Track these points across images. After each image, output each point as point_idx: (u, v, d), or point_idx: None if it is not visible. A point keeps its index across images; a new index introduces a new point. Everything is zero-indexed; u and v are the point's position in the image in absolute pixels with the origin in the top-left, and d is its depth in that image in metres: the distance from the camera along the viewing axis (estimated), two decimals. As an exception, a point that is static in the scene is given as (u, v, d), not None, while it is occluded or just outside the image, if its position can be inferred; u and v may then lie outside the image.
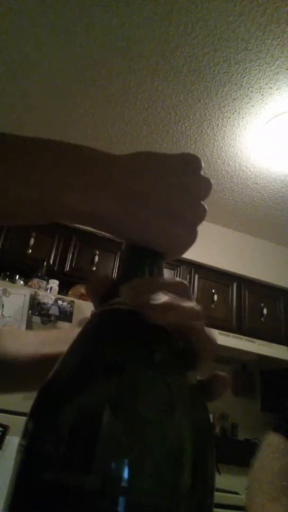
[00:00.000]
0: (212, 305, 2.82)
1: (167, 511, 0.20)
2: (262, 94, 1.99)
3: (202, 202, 0.28)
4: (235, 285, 3.03)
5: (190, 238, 0.28)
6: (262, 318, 2.99)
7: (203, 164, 0.30)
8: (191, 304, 0.25)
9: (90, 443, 0.20)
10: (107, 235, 0.30)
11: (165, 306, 0.23)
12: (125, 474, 0.19)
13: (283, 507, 0.60)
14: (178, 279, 0.28)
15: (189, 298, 0.26)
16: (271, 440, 0.71)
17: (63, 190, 0.26)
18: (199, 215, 0.28)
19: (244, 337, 2.77)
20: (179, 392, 0.23)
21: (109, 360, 0.23)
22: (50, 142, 0.28)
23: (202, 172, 0.29)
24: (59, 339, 0.41)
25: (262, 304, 3.03)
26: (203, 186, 0.29)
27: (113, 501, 0.19)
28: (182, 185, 0.28)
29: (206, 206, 0.29)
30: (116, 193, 0.26)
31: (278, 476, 0.64)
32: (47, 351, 0.40)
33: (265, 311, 3.01)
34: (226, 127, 2.23)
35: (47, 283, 2.41)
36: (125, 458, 0.20)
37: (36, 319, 2.02)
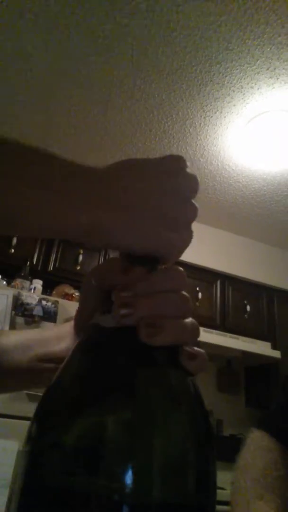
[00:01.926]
0: (197, 303, 2.84)
1: None
2: (244, 94, 2.01)
3: (192, 201, 0.29)
4: (218, 282, 3.06)
5: (185, 239, 0.28)
6: (245, 315, 3.03)
7: (187, 163, 0.30)
8: (185, 322, 0.26)
9: (101, 453, 0.20)
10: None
11: (154, 328, 0.24)
12: (135, 482, 0.20)
13: (268, 503, 0.61)
14: (175, 268, 0.28)
15: (185, 287, 0.27)
16: (255, 438, 0.72)
17: (59, 204, 0.26)
18: (191, 214, 0.28)
19: (228, 334, 2.80)
20: (184, 400, 0.24)
21: (114, 374, 0.23)
22: (44, 157, 0.28)
23: (188, 170, 0.29)
24: (57, 337, 0.41)
25: (245, 301, 3.07)
26: (190, 184, 0.29)
27: (121, 506, 0.19)
28: (170, 187, 0.28)
29: (196, 204, 0.29)
30: (110, 206, 0.26)
31: (263, 473, 0.65)
32: (45, 351, 0.40)
33: (248, 308, 3.05)
34: (208, 126, 2.24)
35: (31, 283, 2.39)
36: (134, 467, 0.20)
37: (20, 319, 1.99)
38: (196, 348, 0.26)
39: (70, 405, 0.22)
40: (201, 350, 0.26)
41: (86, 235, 0.27)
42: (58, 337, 0.40)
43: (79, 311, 0.34)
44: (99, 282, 0.29)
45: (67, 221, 0.26)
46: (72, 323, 0.41)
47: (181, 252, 0.29)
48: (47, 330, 0.44)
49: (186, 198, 0.28)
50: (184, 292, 0.28)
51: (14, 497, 0.21)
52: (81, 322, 0.34)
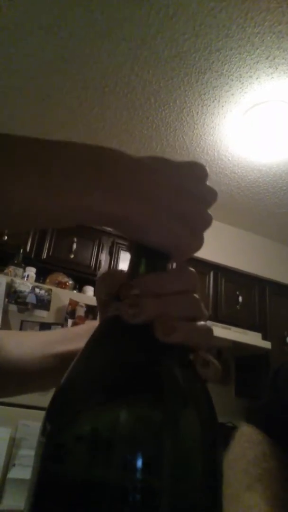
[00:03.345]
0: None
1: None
2: (242, 83, 1.98)
3: (208, 210, 0.30)
4: (211, 273, 3.07)
5: (198, 245, 0.29)
6: (237, 306, 3.05)
7: (208, 173, 0.31)
8: (199, 325, 0.27)
9: (120, 448, 0.21)
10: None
11: (171, 327, 0.25)
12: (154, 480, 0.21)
13: (257, 494, 0.62)
14: (187, 269, 0.29)
15: (196, 290, 0.28)
16: (244, 431, 0.73)
17: (90, 193, 0.25)
18: (206, 222, 0.29)
19: (220, 325, 2.82)
20: (201, 402, 0.25)
21: (137, 366, 0.24)
22: (68, 144, 0.27)
23: (208, 182, 0.31)
24: (65, 338, 0.41)
25: (237, 292, 3.09)
26: (212, 195, 0.30)
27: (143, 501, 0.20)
28: (196, 192, 0.29)
29: (211, 215, 0.30)
30: (140, 197, 0.27)
31: (252, 465, 0.66)
32: (55, 351, 0.40)
33: (240, 299, 3.07)
34: (205, 115, 2.22)
35: (24, 270, 2.37)
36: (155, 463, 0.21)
37: (13, 307, 1.98)
38: (210, 357, 0.27)
39: (93, 396, 0.23)
40: (215, 361, 0.27)
41: (112, 224, 0.27)
42: (77, 335, 0.40)
43: (100, 309, 0.35)
44: (108, 288, 0.30)
45: (94, 211, 0.26)
46: (92, 321, 0.42)
47: (190, 255, 0.29)
48: (67, 329, 0.45)
49: (206, 206, 0.29)
50: (195, 295, 0.28)
51: (30, 485, 0.22)
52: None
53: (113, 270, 0.31)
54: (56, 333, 0.44)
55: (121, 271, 0.30)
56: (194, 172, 0.30)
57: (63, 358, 0.40)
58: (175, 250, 0.28)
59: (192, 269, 0.29)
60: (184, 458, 0.22)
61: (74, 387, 0.24)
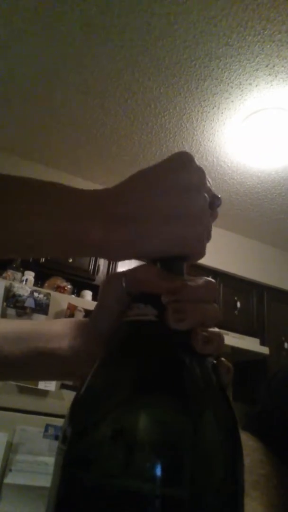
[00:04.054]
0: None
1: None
2: (242, 90, 2.00)
3: (200, 192, 0.29)
4: (210, 278, 3.07)
5: (199, 230, 0.28)
6: (235, 311, 3.05)
7: (193, 156, 0.30)
8: (221, 334, 0.28)
9: (145, 455, 0.21)
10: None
11: (207, 338, 0.26)
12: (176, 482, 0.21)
13: (253, 500, 0.62)
14: (205, 279, 0.30)
15: (214, 298, 0.29)
16: (241, 438, 0.73)
17: (83, 224, 0.27)
18: (198, 205, 0.28)
19: (218, 330, 2.82)
20: (226, 411, 0.25)
21: (158, 380, 0.24)
22: (51, 185, 0.29)
23: (193, 164, 0.30)
24: (58, 334, 0.40)
25: (235, 298, 3.09)
26: (194, 177, 0.29)
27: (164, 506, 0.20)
28: (175, 183, 0.28)
29: (206, 196, 0.29)
30: (125, 220, 0.27)
31: (249, 471, 0.66)
32: (41, 346, 0.39)
33: (238, 304, 3.08)
34: (205, 121, 2.23)
35: (22, 274, 2.37)
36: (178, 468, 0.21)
37: (11, 311, 1.98)
38: (229, 364, 0.28)
39: (123, 400, 0.23)
40: (232, 368, 0.28)
41: (109, 250, 0.28)
42: (59, 335, 0.39)
43: (102, 310, 0.35)
44: (133, 287, 0.30)
45: (82, 239, 0.27)
46: (71, 320, 0.40)
47: (199, 245, 0.29)
48: (41, 324, 0.43)
49: (191, 190, 0.28)
50: (214, 304, 0.29)
51: (50, 491, 0.22)
52: (103, 321, 0.34)
53: (132, 269, 0.30)
54: (35, 327, 0.43)
55: (138, 271, 0.30)
56: (172, 164, 0.29)
57: (35, 353, 0.39)
58: (178, 248, 0.28)
59: (213, 280, 0.30)
60: (211, 461, 0.22)
61: (102, 391, 0.24)
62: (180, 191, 0.28)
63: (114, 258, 0.29)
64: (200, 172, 0.29)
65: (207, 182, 0.30)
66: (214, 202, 0.31)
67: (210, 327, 0.28)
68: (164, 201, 0.27)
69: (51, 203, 0.27)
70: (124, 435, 0.21)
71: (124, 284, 0.30)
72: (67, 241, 0.27)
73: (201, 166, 0.30)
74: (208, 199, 0.29)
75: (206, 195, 0.29)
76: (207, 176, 0.30)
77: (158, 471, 0.20)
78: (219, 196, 0.32)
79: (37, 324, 0.44)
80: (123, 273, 0.31)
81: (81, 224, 0.27)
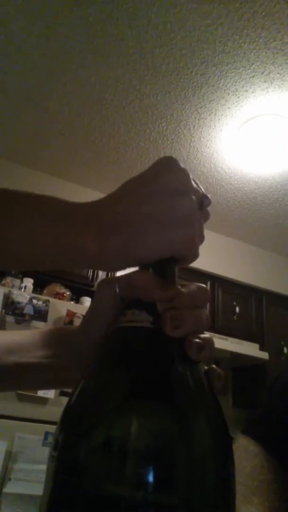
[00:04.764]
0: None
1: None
2: (238, 97, 2.02)
3: (186, 194, 0.29)
4: (208, 284, 3.08)
5: (186, 232, 0.28)
6: (234, 316, 3.05)
7: (176, 159, 0.30)
8: (212, 339, 0.29)
9: (137, 462, 0.21)
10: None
11: (201, 346, 0.27)
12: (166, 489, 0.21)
13: (255, 506, 0.62)
14: (198, 285, 0.30)
15: (207, 303, 0.29)
16: (241, 443, 0.73)
17: (80, 237, 0.28)
18: (184, 208, 0.28)
19: (217, 335, 2.82)
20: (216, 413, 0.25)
21: (152, 387, 0.24)
22: (51, 199, 0.30)
23: (179, 166, 0.30)
24: (37, 345, 0.40)
25: (234, 303, 3.09)
26: (176, 178, 0.29)
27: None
28: (159, 188, 0.28)
29: (193, 197, 0.29)
30: (118, 231, 0.28)
31: (249, 477, 0.66)
32: (23, 359, 0.39)
33: (237, 309, 3.07)
34: (202, 128, 2.25)
35: (21, 281, 2.37)
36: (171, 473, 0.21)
37: (10, 318, 1.98)
38: (221, 370, 0.29)
39: (118, 405, 0.22)
40: (223, 374, 0.29)
41: (104, 261, 0.29)
42: (37, 345, 0.39)
43: (95, 316, 0.34)
44: (128, 293, 0.30)
45: (80, 253, 0.28)
46: (56, 329, 0.41)
47: (191, 247, 0.29)
48: (31, 334, 0.43)
49: (178, 193, 0.28)
50: (205, 310, 0.30)
51: (43, 497, 0.22)
52: (95, 326, 0.34)
53: (126, 275, 0.30)
54: (23, 335, 0.42)
55: (133, 278, 0.30)
56: (156, 169, 0.30)
57: (21, 366, 0.39)
58: (167, 252, 0.28)
59: (204, 285, 0.30)
60: (202, 468, 0.22)
61: (94, 398, 0.23)
62: (167, 195, 0.28)
63: (110, 269, 0.30)
64: (184, 173, 0.29)
65: (193, 183, 0.30)
66: (203, 202, 0.31)
67: (202, 333, 0.28)
68: (152, 206, 0.28)
69: (48, 219, 0.28)
70: (117, 442, 0.21)
71: (117, 290, 0.30)
72: (65, 255, 0.28)
73: (185, 167, 0.30)
74: (196, 200, 0.29)
75: (193, 196, 0.29)
76: (192, 176, 0.30)
77: (150, 479, 0.20)
78: (208, 195, 0.31)
79: (29, 333, 0.43)
80: (117, 278, 0.31)
81: (78, 238, 0.27)
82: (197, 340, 0.27)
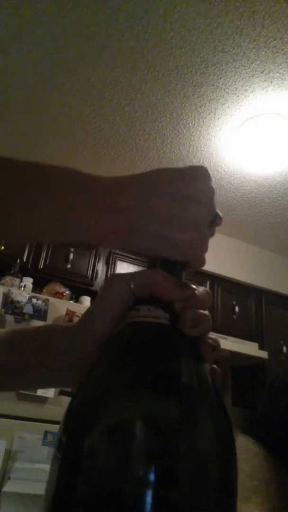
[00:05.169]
0: (186, 303, 2.85)
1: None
2: (238, 96, 2.02)
3: (200, 203, 0.30)
4: (208, 283, 3.08)
5: (192, 239, 0.29)
6: (234, 316, 3.05)
7: (209, 174, 0.31)
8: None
9: (142, 458, 0.21)
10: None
11: (213, 346, 0.29)
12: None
13: (254, 505, 0.62)
14: (205, 289, 0.31)
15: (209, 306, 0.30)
16: (241, 443, 0.73)
17: (90, 212, 0.28)
18: (196, 215, 0.29)
19: (216, 334, 2.81)
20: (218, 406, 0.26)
21: (161, 381, 0.24)
22: (67, 170, 0.32)
23: (209, 182, 0.31)
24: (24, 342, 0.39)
25: (234, 302, 3.09)
26: (203, 190, 0.30)
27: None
28: (180, 192, 0.29)
29: (205, 210, 0.30)
30: (122, 214, 0.28)
31: (249, 477, 0.66)
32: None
33: (237, 309, 3.08)
34: (202, 127, 2.25)
35: (21, 280, 2.37)
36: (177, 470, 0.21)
37: (10, 317, 1.97)
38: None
39: (128, 398, 0.22)
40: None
41: (102, 239, 0.29)
42: (35, 344, 0.39)
43: (101, 310, 0.34)
44: (144, 290, 0.30)
45: (83, 227, 0.28)
46: (50, 326, 0.41)
47: (192, 251, 0.29)
48: (29, 333, 0.42)
49: (191, 201, 0.29)
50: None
51: (46, 498, 0.22)
52: (99, 321, 0.34)
53: (141, 273, 0.31)
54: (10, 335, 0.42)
55: (151, 276, 0.30)
56: (190, 174, 0.31)
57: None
58: (165, 252, 0.29)
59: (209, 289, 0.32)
60: (207, 466, 0.22)
61: (101, 396, 0.23)
62: (184, 199, 0.29)
63: (104, 245, 0.31)
64: (209, 188, 0.31)
65: (213, 202, 0.31)
66: (215, 219, 0.32)
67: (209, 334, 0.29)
68: (161, 203, 0.28)
69: (54, 189, 0.29)
70: (122, 441, 0.21)
71: (132, 286, 0.31)
72: (66, 227, 0.29)
73: (213, 185, 0.31)
74: (208, 215, 0.30)
75: (207, 210, 0.30)
76: (214, 197, 0.31)
77: (155, 478, 0.20)
78: (221, 216, 0.32)
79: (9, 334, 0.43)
80: (131, 274, 0.32)
81: (83, 212, 0.28)
82: (210, 340, 0.28)
